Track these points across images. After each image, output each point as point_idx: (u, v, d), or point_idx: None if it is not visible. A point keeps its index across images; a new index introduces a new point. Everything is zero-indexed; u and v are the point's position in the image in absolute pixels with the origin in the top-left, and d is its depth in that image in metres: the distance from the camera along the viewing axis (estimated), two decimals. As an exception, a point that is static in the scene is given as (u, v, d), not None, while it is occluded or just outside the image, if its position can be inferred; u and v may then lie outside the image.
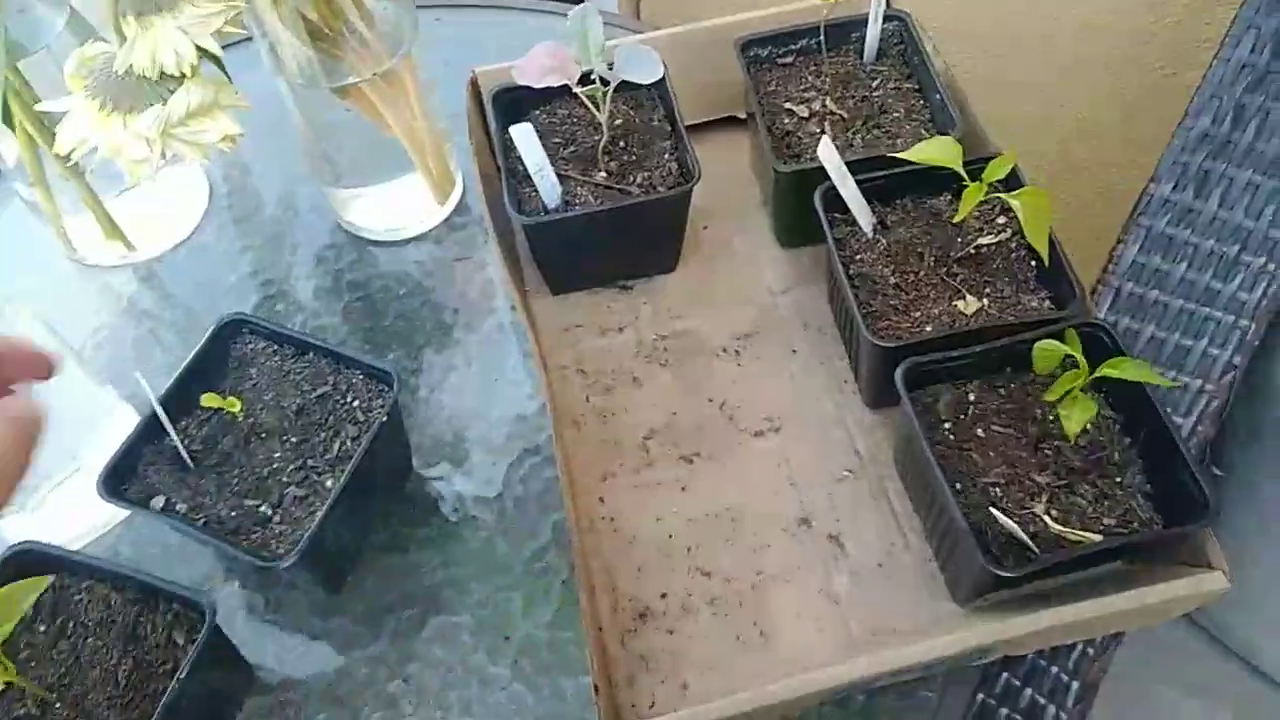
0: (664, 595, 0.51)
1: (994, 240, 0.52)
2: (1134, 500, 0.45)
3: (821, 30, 0.58)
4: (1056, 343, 0.43)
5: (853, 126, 0.58)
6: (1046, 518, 0.44)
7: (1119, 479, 0.46)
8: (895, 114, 0.58)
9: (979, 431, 0.47)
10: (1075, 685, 0.57)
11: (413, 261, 0.65)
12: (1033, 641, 0.47)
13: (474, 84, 0.62)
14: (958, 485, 0.45)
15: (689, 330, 0.60)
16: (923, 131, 0.57)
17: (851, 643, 0.48)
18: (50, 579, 0.43)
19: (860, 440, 0.55)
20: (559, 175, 0.56)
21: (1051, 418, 0.47)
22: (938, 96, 0.57)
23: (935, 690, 0.49)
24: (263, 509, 0.46)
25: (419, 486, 0.56)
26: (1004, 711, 0.57)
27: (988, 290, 0.51)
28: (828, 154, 0.50)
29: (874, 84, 0.59)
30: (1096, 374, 0.43)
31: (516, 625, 0.51)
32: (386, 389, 0.49)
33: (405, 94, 0.58)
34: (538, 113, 0.61)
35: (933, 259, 0.52)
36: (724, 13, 0.63)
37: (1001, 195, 0.47)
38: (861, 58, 0.60)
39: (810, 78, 0.60)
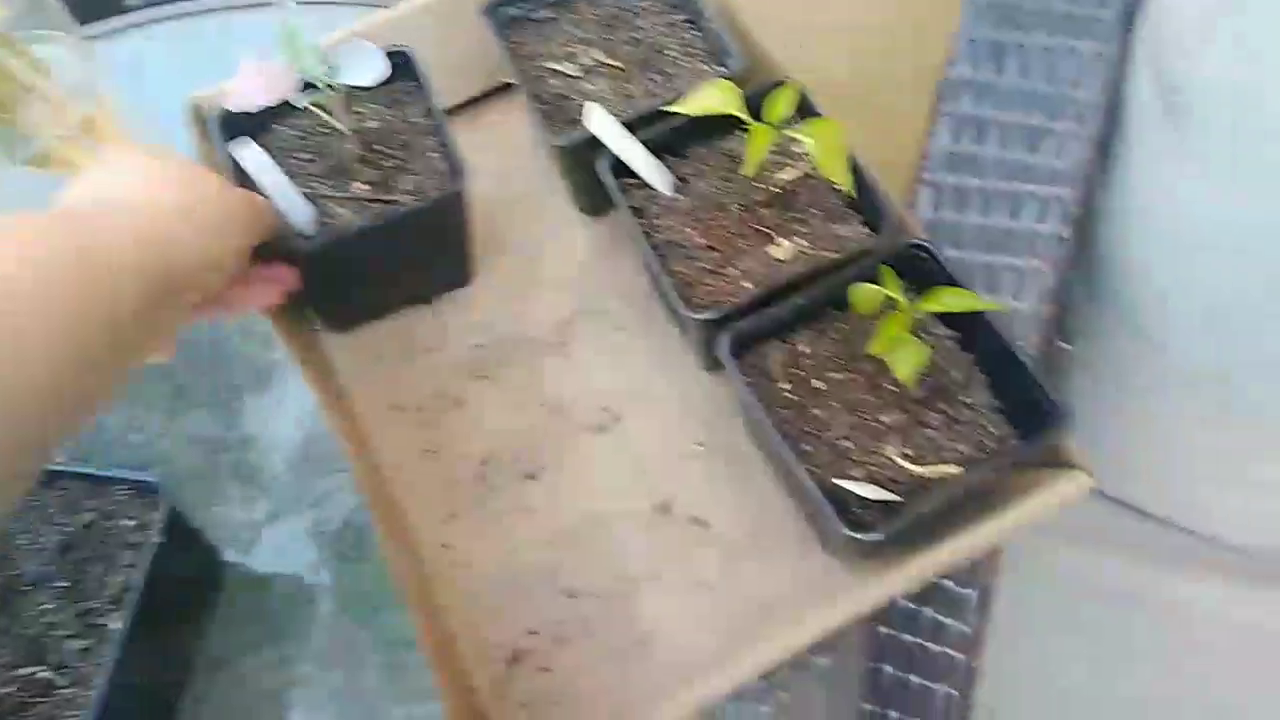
0: (533, 632, 0.47)
1: (796, 175, 0.48)
2: (984, 418, 0.43)
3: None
4: (873, 286, 0.40)
5: (629, 76, 0.52)
6: (901, 460, 0.42)
7: (965, 400, 0.43)
8: (671, 52, 0.53)
9: (817, 384, 0.44)
10: (973, 593, 0.56)
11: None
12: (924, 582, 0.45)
13: (195, 111, 0.54)
14: (806, 447, 0.42)
15: (506, 333, 0.54)
16: (702, 66, 0.52)
17: (733, 629, 0.46)
18: None
19: (705, 408, 0.51)
20: (310, 195, 0.49)
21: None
22: (710, 27, 0.52)
23: (830, 655, 0.47)
24: (40, 675, 0.39)
25: (235, 582, 0.49)
26: (907, 638, 0.55)
27: (799, 229, 0.47)
28: (599, 123, 0.45)
29: (640, 22, 0.54)
30: (917, 307, 0.40)
31: (385, 708, 0.46)
32: (156, 499, 0.42)
33: (111, 141, 0.50)
34: (278, 127, 0.53)
35: (738, 207, 0.48)
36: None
37: (789, 132, 0.43)
38: (622, -5, 0.55)
39: (571, 29, 0.54)
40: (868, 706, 0.51)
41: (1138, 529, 0.74)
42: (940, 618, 0.56)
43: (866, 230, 0.47)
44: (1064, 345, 0.65)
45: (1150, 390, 0.65)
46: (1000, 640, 0.70)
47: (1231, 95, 0.49)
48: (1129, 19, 0.55)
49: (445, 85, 0.59)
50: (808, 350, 0.45)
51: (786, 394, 0.44)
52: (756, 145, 0.43)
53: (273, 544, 0.51)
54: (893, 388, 0.44)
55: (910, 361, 0.39)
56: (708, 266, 0.46)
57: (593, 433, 0.51)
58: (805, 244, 0.47)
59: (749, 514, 0.49)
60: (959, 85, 0.58)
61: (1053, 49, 0.56)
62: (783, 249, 0.46)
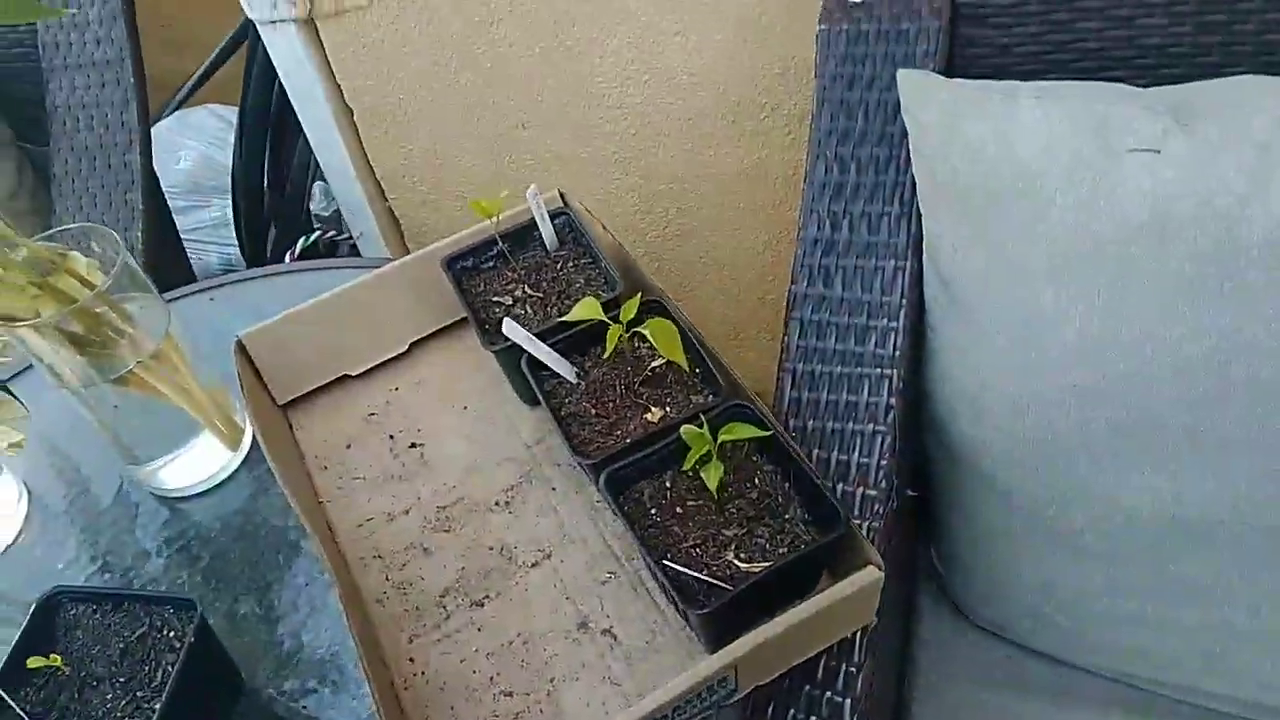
0: (476, 723, 0.59)
1: (664, 361, 0.66)
2: (798, 529, 0.58)
3: (497, 239, 0.73)
4: (694, 428, 0.57)
5: (548, 302, 0.72)
6: (737, 561, 0.56)
7: (786, 515, 0.59)
8: (578, 284, 0.73)
9: (677, 510, 0.59)
10: (847, 702, 0.67)
11: (222, 506, 0.75)
12: (758, 665, 0.58)
13: (239, 346, 0.74)
14: (668, 555, 0.57)
15: (464, 497, 0.71)
16: (600, 293, 0.72)
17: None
18: None
19: (616, 545, 0.66)
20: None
21: (730, 485, 0.60)
22: (604, 265, 0.72)
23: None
24: None
25: (256, 699, 0.63)
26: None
27: (667, 400, 0.65)
28: (512, 330, 0.64)
29: (559, 267, 0.74)
30: (720, 439, 0.56)
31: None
32: (192, 613, 0.57)
33: (175, 369, 0.69)
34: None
35: (623, 387, 0.66)
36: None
37: (637, 329, 0.62)
38: (546, 250, 0.76)
39: (509, 274, 0.75)
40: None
41: (1039, 671, 0.84)
42: (823, 720, 0.67)
43: (714, 397, 0.64)
44: (911, 492, 0.80)
45: (1004, 532, 0.78)
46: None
47: (981, 284, 0.67)
48: (918, 241, 0.75)
49: (424, 318, 0.80)
50: (669, 485, 0.61)
51: (654, 516, 0.59)
52: (611, 337, 0.61)
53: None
54: (734, 510, 0.59)
55: (713, 475, 0.55)
56: (598, 429, 0.64)
57: (529, 569, 0.66)
58: (671, 411, 0.64)
59: (647, 628, 0.62)
60: (802, 297, 0.77)
61: (864, 267, 0.76)
62: (654, 414, 0.64)
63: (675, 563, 0.57)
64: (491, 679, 0.61)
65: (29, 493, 0.78)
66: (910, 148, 0.72)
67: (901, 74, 0.70)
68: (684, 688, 0.53)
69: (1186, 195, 0.60)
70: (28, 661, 0.55)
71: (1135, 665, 0.80)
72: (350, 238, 1.21)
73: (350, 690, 0.64)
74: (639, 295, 0.64)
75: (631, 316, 0.62)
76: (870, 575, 0.56)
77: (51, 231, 0.66)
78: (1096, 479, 0.69)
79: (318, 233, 1.23)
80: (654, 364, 0.66)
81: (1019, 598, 0.82)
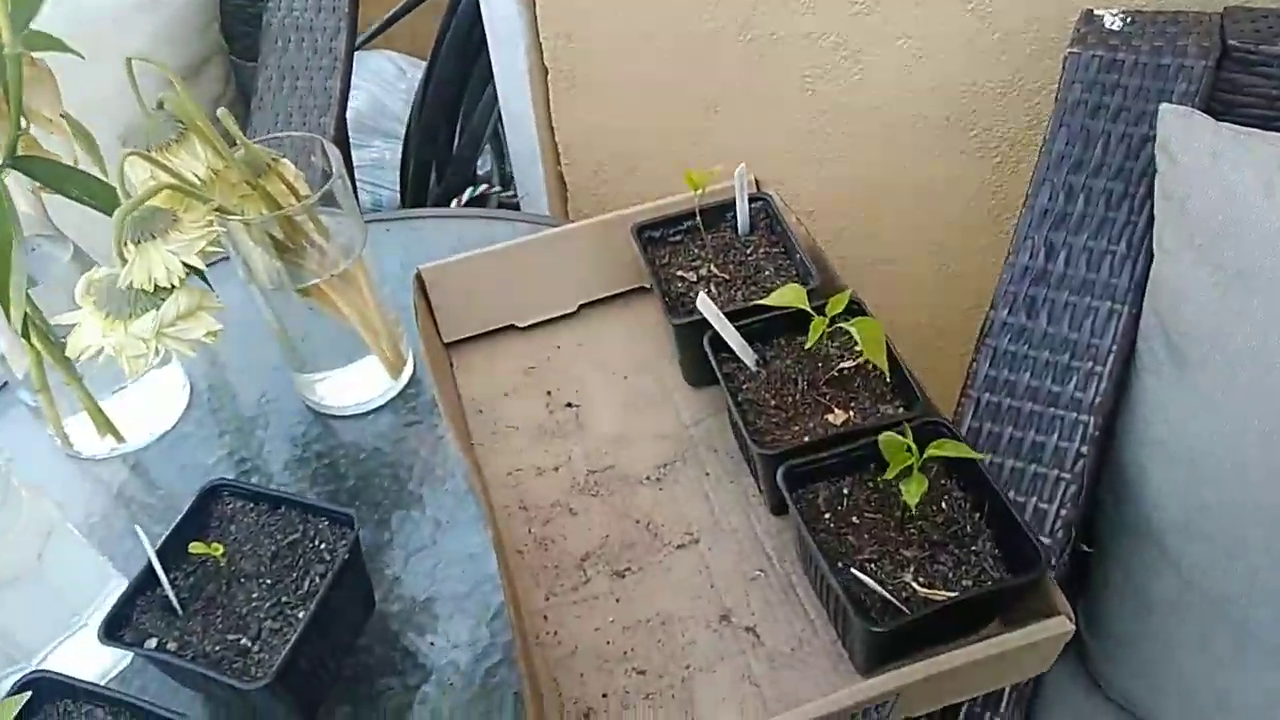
0: (605, 695, 0.57)
1: (854, 363, 0.63)
2: (985, 563, 0.54)
3: (697, 213, 0.71)
4: (895, 434, 0.53)
5: (734, 285, 0.70)
6: (915, 584, 0.53)
7: (973, 547, 0.54)
8: (767, 272, 0.70)
9: (854, 519, 0.56)
10: (990, 758, 0.62)
11: (373, 431, 0.74)
12: (920, 695, 0.54)
13: (418, 278, 0.74)
14: (839, 564, 0.54)
15: (615, 465, 0.69)
16: (790, 284, 0.69)
17: (769, 717, 0.55)
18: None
19: (768, 543, 0.63)
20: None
21: (916, 505, 0.56)
22: (799, 256, 0.69)
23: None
24: (243, 641, 0.52)
25: (381, 624, 0.62)
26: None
27: (852, 404, 0.61)
28: (705, 305, 0.61)
29: (748, 251, 0.72)
30: (926, 454, 0.52)
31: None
32: (348, 530, 0.57)
33: (359, 290, 0.69)
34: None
35: (805, 383, 0.62)
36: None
37: (842, 324, 0.59)
38: (737, 232, 0.73)
39: (696, 250, 0.72)
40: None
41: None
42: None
43: (904, 410, 0.60)
44: (1085, 548, 0.74)
45: (1171, 607, 0.72)
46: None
47: (1209, 340, 0.62)
48: (1140, 286, 0.70)
49: (598, 281, 0.78)
50: (848, 492, 0.57)
51: (828, 521, 0.56)
52: (815, 329, 0.58)
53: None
54: (915, 531, 0.55)
55: (915, 489, 0.51)
56: (776, 421, 0.60)
57: (675, 549, 0.64)
58: (855, 416, 0.60)
59: (794, 634, 0.59)
60: (999, 325, 0.72)
61: (1075, 304, 0.71)
62: (836, 417, 0.60)
63: (848, 576, 0.53)
64: (625, 653, 0.59)
65: (190, 384, 0.79)
66: (1157, 186, 0.66)
67: (1165, 108, 0.65)
68: (847, 703, 0.50)
69: None
70: (190, 546, 0.55)
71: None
72: (514, 195, 1.21)
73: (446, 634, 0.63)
74: (847, 291, 0.61)
75: (839, 311, 0.59)
76: (1060, 626, 0.51)
77: (276, 136, 0.67)
78: (1302, 573, 0.63)
79: (484, 185, 1.24)
80: (842, 364, 0.63)
81: (1169, 678, 0.75)
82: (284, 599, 0.54)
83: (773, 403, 0.62)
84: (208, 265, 0.63)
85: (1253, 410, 0.62)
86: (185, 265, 0.58)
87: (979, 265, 1.00)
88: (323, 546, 0.57)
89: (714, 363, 0.63)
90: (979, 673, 0.53)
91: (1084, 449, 0.68)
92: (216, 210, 0.59)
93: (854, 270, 1.09)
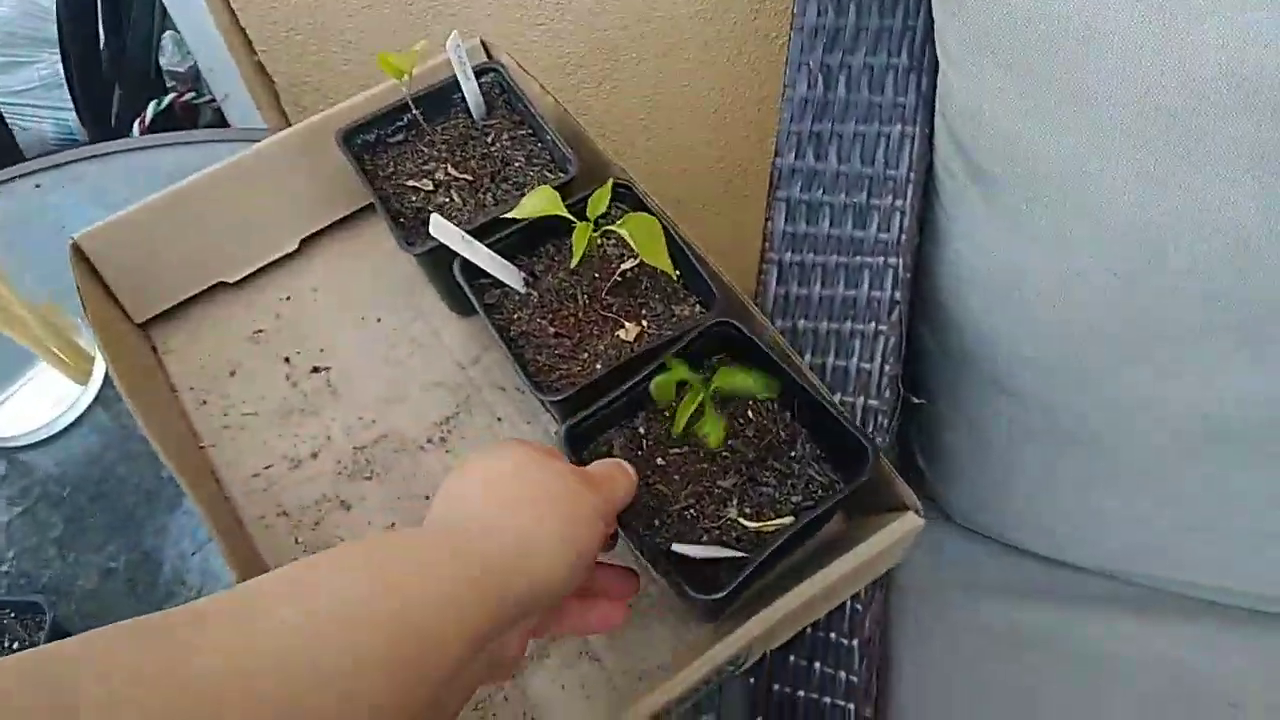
0: None
1: (635, 263, 0.52)
2: (811, 469, 0.47)
3: (410, 104, 0.57)
4: (668, 375, 0.44)
5: (480, 186, 0.57)
6: (742, 520, 0.45)
7: (792, 454, 0.47)
8: (517, 163, 0.58)
9: (659, 460, 0.47)
10: (856, 643, 0.59)
11: (73, 457, 0.59)
12: (782, 630, 0.48)
13: (76, 251, 0.57)
14: (655, 522, 0.45)
15: (388, 433, 0.57)
16: (547, 174, 0.57)
17: (618, 698, 0.48)
18: None
19: (581, 488, 0.54)
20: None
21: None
22: (549, 138, 0.57)
23: (713, 711, 0.49)
24: None
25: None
26: (801, 695, 0.58)
27: (644, 311, 0.51)
28: (441, 229, 0.49)
29: (489, 139, 0.59)
30: (713, 387, 0.44)
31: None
32: (41, 619, 0.43)
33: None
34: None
35: (585, 298, 0.52)
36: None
37: (610, 227, 0.48)
38: (471, 117, 0.59)
39: (425, 150, 0.59)
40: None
41: (1033, 573, 0.78)
42: (828, 669, 0.58)
43: (701, 308, 0.51)
44: (915, 399, 0.70)
45: (1011, 434, 0.70)
46: (910, 696, 0.72)
47: (1010, 153, 0.56)
48: (929, 102, 0.62)
49: (318, 207, 0.63)
50: (644, 431, 0.48)
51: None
52: (577, 240, 0.47)
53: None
54: (727, 454, 0.48)
55: (714, 433, 0.43)
56: (561, 353, 0.50)
57: (475, 521, 0.54)
58: (649, 325, 0.51)
59: (628, 585, 0.51)
60: (789, 173, 0.64)
61: (865, 134, 0.63)
62: (629, 331, 0.50)
63: (667, 531, 0.45)
64: (441, 663, 0.50)
65: None
66: (930, -19, 0.57)
67: (927, -118, 0.55)
68: (690, 681, 0.43)
69: (1272, 43, 0.48)
70: None
71: (1138, 564, 0.74)
72: (213, 100, 1.00)
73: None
74: (608, 183, 0.50)
75: (602, 211, 0.48)
76: (912, 522, 0.46)
77: None
78: (1130, 378, 0.61)
79: (172, 95, 1.01)
80: (624, 266, 0.52)
81: (1017, 500, 0.75)
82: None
83: (552, 330, 0.51)
84: None
85: (1064, 221, 0.57)
86: None
87: (759, 98, 0.91)
88: (15, 646, 0.43)
89: (470, 294, 0.52)
90: (836, 591, 0.47)
91: (898, 295, 0.62)
92: None
93: (612, 133, 0.97)
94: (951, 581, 0.79)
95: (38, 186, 0.71)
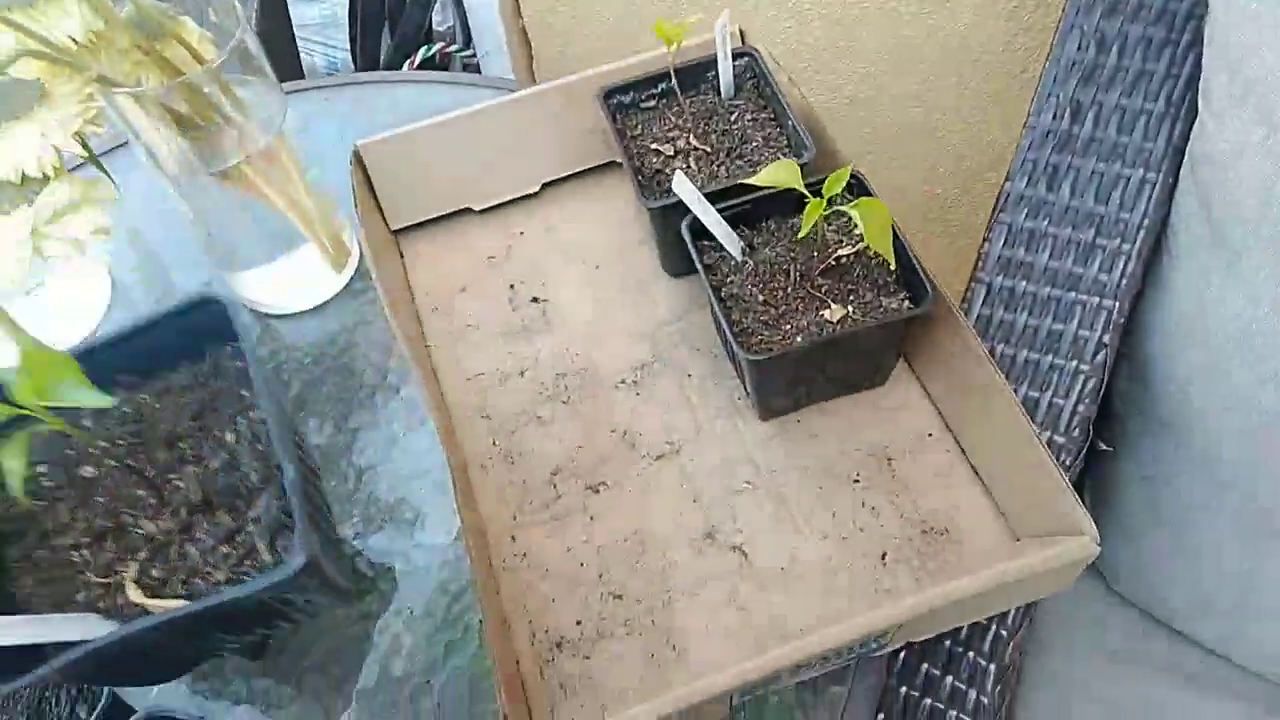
0: (579, 623, 0.52)
1: (852, 250, 0.55)
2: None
3: (671, 74, 0.61)
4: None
5: (716, 159, 0.61)
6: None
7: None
8: (754, 143, 0.61)
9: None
10: (992, 668, 0.58)
11: (317, 332, 0.67)
12: (930, 623, 0.49)
13: (357, 156, 0.65)
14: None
15: (587, 368, 0.62)
16: (780, 157, 0.60)
17: (758, 648, 0.50)
18: None
19: (756, 452, 0.57)
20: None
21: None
22: (791, 124, 0.60)
23: (845, 684, 0.51)
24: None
25: (333, 549, 0.57)
26: (927, 702, 0.58)
27: (851, 297, 0.54)
28: (682, 186, 0.53)
29: (732, 118, 0.62)
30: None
31: (438, 669, 0.52)
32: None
33: (284, 170, 0.60)
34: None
35: (798, 274, 0.55)
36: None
37: (841, 208, 0.50)
38: (719, 95, 0.64)
39: (673, 118, 0.63)
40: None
41: (1180, 656, 0.74)
42: (959, 684, 0.59)
43: (909, 304, 0.53)
44: (1103, 446, 0.69)
45: (1195, 506, 0.67)
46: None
47: (1259, 214, 0.54)
48: (1179, 151, 0.61)
49: (563, 157, 0.69)
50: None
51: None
52: (810, 214, 0.50)
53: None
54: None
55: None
56: (764, 319, 0.53)
57: (654, 460, 0.58)
58: (854, 311, 0.53)
59: (785, 552, 0.54)
60: (1015, 199, 0.64)
61: (1104, 174, 0.62)
62: (833, 312, 0.53)
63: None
64: (600, 576, 0.54)
65: (114, 282, 0.71)
66: (1206, 32, 0.57)
67: (1223, -70, 0.55)
68: (838, 641, 0.45)
69: None
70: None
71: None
72: (473, 55, 1.09)
73: (416, 537, 0.57)
74: (847, 167, 0.52)
75: (837, 191, 0.51)
76: (1083, 550, 0.46)
77: (170, -14, 0.56)
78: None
79: (439, 45, 1.11)
80: (840, 252, 0.55)
81: (1185, 578, 0.71)
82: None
83: (760, 298, 0.54)
84: (116, 148, 0.54)
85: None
86: (76, 146, 0.49)
87: (998, 129, 0.91)
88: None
89: (693, 252, 0.55)
90: (990, 597, 0.48)
91: (1106, 338, 0.61)
92: (97, 80, 0.50)
93: (851, 141, 0.99)
94: (1089, 642, 0.76)
95: (326, 100, 0.80)
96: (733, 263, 0.56)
